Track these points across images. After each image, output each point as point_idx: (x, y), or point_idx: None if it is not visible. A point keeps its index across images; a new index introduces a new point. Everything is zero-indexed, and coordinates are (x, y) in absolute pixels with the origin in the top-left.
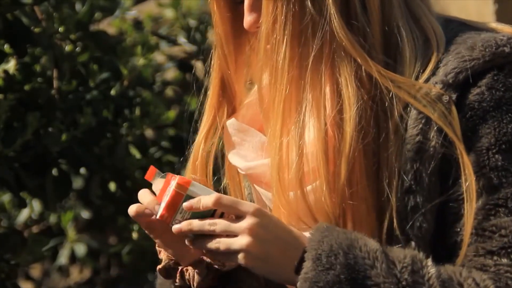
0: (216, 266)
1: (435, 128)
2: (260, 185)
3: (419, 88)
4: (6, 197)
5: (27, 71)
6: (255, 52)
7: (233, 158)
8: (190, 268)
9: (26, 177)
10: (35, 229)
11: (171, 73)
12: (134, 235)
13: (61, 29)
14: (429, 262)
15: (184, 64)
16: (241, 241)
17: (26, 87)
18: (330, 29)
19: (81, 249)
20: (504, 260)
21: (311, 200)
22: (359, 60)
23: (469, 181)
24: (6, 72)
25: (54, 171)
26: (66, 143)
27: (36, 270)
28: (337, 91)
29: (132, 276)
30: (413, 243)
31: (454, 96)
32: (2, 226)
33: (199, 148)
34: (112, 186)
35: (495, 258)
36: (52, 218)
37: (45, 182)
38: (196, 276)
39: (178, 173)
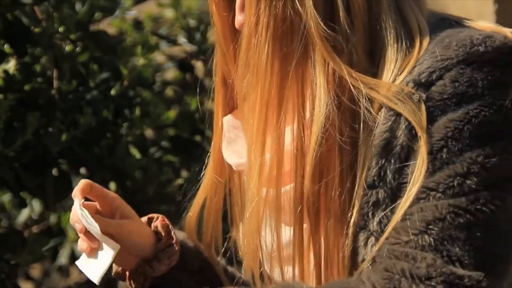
0: (148, 272)
1: (404, 126)
2: None
3: (391, 88)
4: (6, 197)
5: (27, 71)
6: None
7: (227, 154)
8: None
9: (26, 177)
10: (35, 229)
11: (171, 73)
12: None
13: (61, 29)
14: None
15: (184, 64)
16: None
17: (26, 87)
18: (308, 32)
19: None
20: (420, 242)
21: (285, 200)
22: (331, 63)
23: (419, 168)
24: (6, 72)
25: (54, 171)
26: (66, 143)
27: (36, 270)
28: (312, 94)
29: None
30: (373, 239)
31: (424, 96)
32: (2, 226)
33: (217, 146)
34: (112, 186)
35: (406, 239)
36: (52, 218)
37: (45, 182)
38: (133, 285)
39: (179, 174)
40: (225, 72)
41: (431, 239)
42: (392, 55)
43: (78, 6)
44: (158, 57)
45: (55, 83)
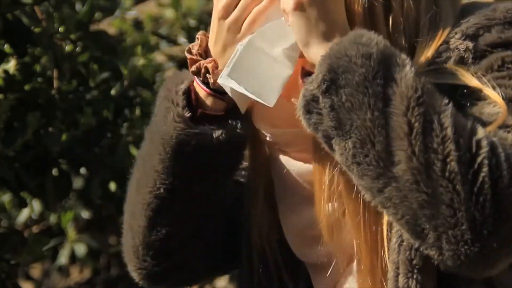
0: None
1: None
2: (285, 154)
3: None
4: (6, 197)
5: (27, 71)
6: None
7: (261, 124)
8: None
9: (26, 177)
10: (35, 229)
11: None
12: None
13: (61, 29)
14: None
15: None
16: None
17: (26, 87)
18: None
19: (81, 249)
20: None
21: None
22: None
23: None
24: (6, 72)
25: (54, 171)
26: (66, 143)
27: (36, 270)
28: None
29: (132, 276)
30: None
31: (471, 45)
32: (2, 226)
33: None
34: (112, 186)
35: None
36: (52, 218)
37: (45, 182)
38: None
39: None
40: None
41: None
42: (442, 21)
43: (78, 6)
44: (158, 57)
45: (55, 83)
